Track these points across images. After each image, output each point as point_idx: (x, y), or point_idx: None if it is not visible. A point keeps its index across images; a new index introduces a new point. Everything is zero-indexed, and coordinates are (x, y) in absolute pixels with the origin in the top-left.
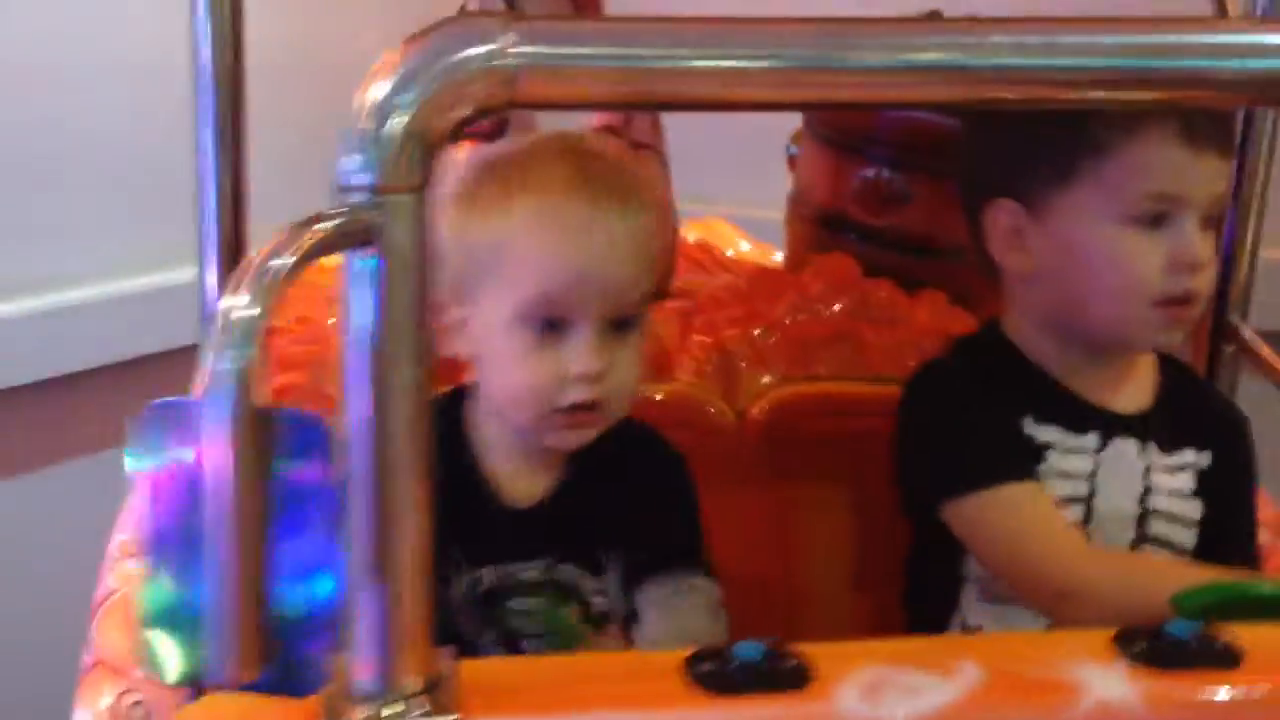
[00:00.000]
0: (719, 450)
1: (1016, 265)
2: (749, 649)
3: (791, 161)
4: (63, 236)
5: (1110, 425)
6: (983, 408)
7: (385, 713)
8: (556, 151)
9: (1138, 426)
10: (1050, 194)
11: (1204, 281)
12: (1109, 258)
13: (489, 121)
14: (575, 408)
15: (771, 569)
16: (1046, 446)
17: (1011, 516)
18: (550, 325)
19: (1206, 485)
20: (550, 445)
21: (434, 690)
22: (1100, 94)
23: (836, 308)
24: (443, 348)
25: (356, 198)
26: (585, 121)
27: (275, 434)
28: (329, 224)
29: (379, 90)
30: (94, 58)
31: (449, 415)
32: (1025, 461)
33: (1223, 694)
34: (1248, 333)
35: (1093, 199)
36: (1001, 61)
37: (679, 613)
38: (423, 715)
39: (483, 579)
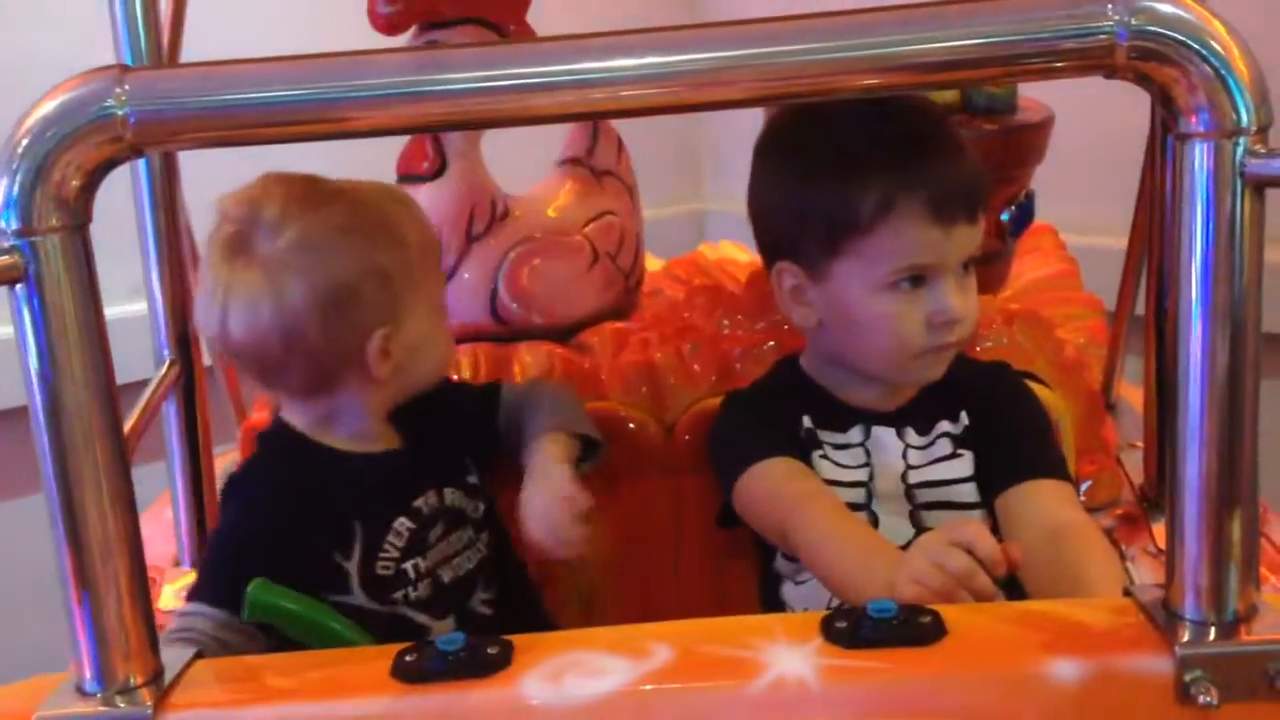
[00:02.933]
0: (648, 463)
1: (800, 319)
2: (450, 641)
3: None
4: None
5: (869, 419)
6: (761, 410)
7: (101, 708)
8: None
9: (893, 418)
10: (823, 261)
11: (964, 329)
12: (874, 320)
13: (429, 162)
14: None
15: (700, 571)
16: (823, 442)
17: (767, 480)
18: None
19: (969, 440)
20: None
21: (151, 685)
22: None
23: (766, 320)
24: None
25: (6, 241)
26: (554, 149)
27: None
28: None
29: (13, 142)
30: None
31: (301, 448)
32: (792, 445)
33: (910, 667)
34: None
35: (857, 268)
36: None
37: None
38: (127, 707)
39: (399, 526)
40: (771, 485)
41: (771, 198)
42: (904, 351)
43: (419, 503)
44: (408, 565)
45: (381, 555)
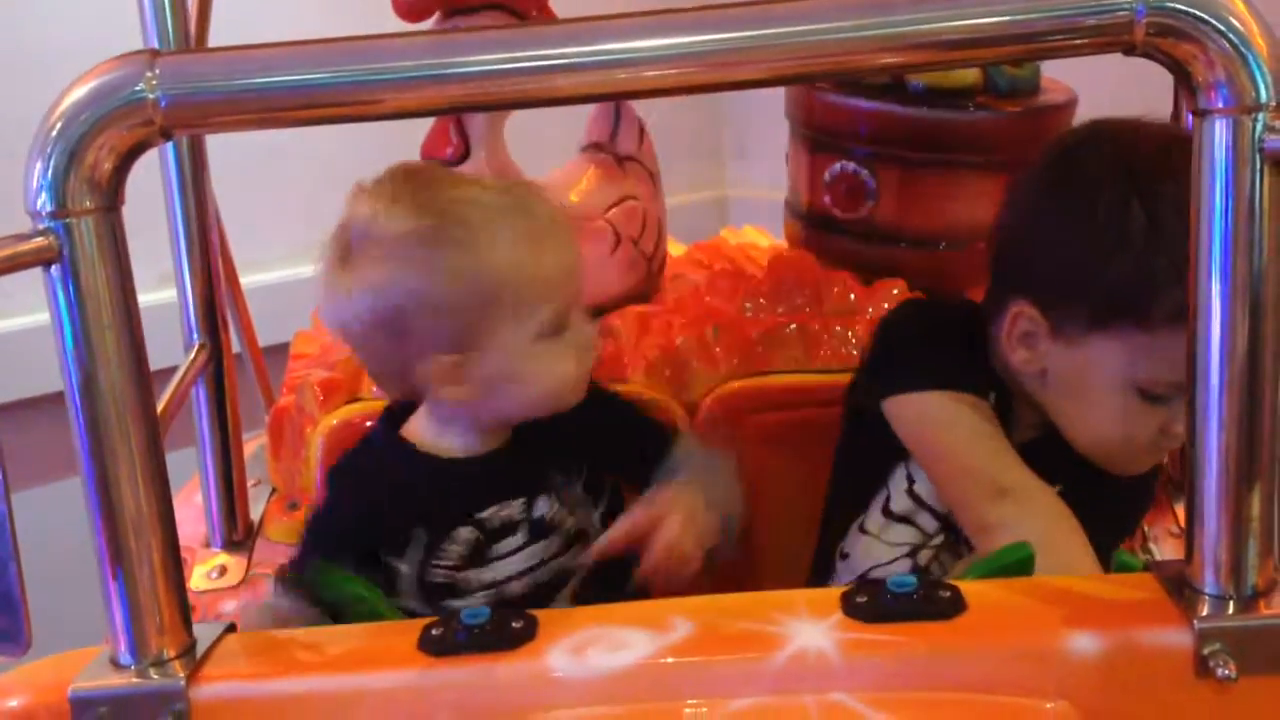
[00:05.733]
0: None
1: (1020, 362)
2: (475, 614)
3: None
4: None
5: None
6: (961, 347)
7: (135, 680)
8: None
9: (1032, 447)
10: (1084, 329)
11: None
12: (1109, 410)
13: (453, 147)
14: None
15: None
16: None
17: (965, 420)
18: (557, 329)
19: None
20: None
21: (183, 657)
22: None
23: (787, 303)
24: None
25: (41, 223)
26: (576, 135)
27: None
28: (12, 246)
29: (47, 126)
30: None
31: (387, 436)
32: (984, 385)
33: (930, 641)
34: None
35: (1119, 355)
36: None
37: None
38: (160, 678)
39: (460, 536)
40: (984, 429)
41: (1051, 241)
42: (1122, 448)
43: (489, 513)
44: (468, 574)
45: (437, 563)
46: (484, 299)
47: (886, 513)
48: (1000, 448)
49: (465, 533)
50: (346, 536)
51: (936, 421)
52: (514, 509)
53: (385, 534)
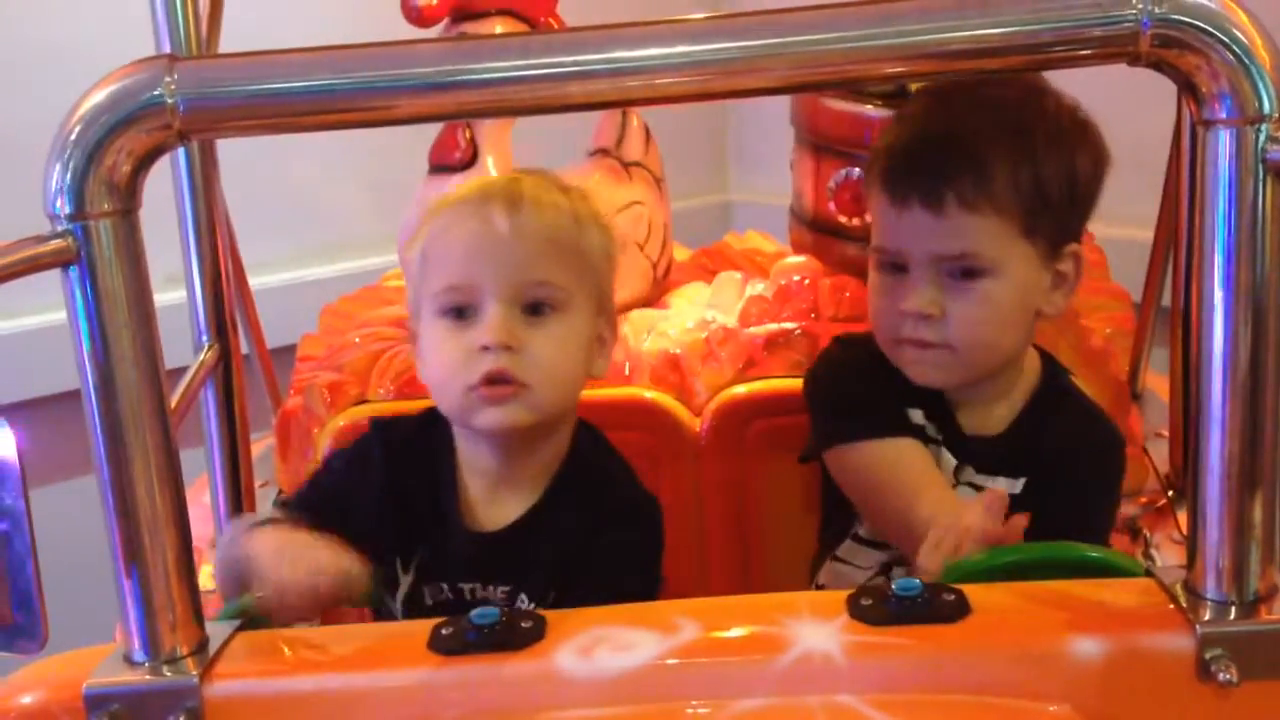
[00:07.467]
0: (675, 450)
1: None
2: (485, 615)
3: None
4: None
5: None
6: (873, 378)
7: (149, 677)
8: (469, 184)
9: (958, 444)
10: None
11: None
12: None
13: (461, 152)
14: (488, 380)
15: (723, 555)
16: (921, 429)
17: (897, 467)
18: (460, 312)
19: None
20: (481, 428)
21: (196, 655)
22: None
23: (791, 309)
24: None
25: (59, 225)
26: (583, 141)
27: None
28: (32, 247)
29: (66, 130)
30: None
31: (436, 432)
32: (908, 424)
33: (935, 644)
34: None
35: None
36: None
37: None
38: (174, 675)
39: (441, 590)
40: (910, 477)
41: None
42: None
43: (468, 586)
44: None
45: (422, 596)
46: (411, 262)
47: (856, 539)
48: (927, 497)
49: (442, 588)
50: (361, 510)
51: (866, 473)
52: (492, 593)
53: (392, 536)
